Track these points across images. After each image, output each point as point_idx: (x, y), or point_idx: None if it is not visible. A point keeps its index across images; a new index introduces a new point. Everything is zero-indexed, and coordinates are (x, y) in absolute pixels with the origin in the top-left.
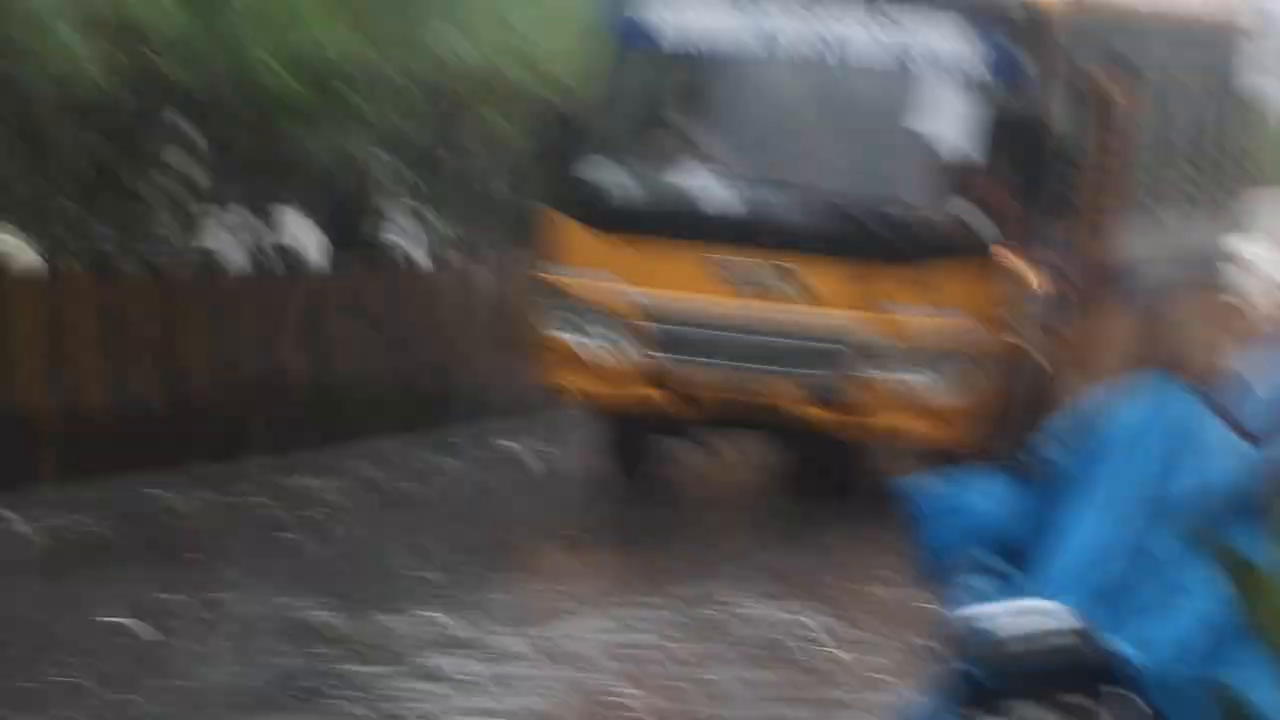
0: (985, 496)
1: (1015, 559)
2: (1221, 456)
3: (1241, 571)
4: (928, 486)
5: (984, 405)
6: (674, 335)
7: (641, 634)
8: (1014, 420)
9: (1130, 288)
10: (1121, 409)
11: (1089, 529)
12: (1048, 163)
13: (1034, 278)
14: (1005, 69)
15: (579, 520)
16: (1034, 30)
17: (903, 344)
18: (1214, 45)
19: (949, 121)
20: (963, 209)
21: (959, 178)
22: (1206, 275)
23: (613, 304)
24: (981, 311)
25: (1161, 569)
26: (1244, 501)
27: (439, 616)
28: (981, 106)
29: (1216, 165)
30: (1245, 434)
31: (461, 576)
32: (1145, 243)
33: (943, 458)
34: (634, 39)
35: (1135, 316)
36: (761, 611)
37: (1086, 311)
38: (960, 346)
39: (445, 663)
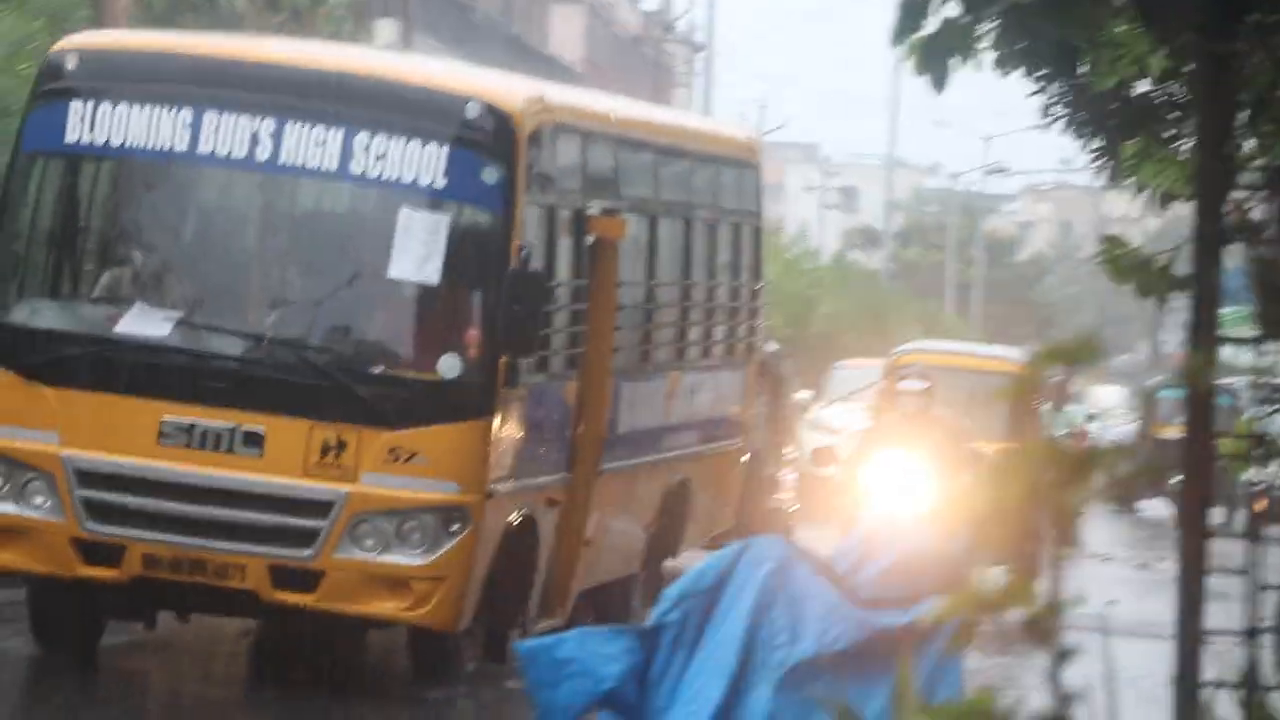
0: (604, 657)
1: (635, 719)
2: (828, 617)
3: None
4: (545, 648)
5: (475, 581)
6: (112, 503)
7: None
8: (513, 594)
9: (646, 448)
10: (731, 570)
11: (701, 689)
12: (534, 307)
13: (530, 442)
14: (476, 191)
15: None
16: (505, 144)
17: (383, 519)
18: (731, 172)
19: (424, 260)
20: (448, 364)
21: (440, 324)
22: (730, 436)
23: (41, 465)
24: (470, 480)
25: None
26: (852, 661)
27: None
28: (456, 242)
29: (736, 311)
30: (850, 596)
31: None
32: (645, 397)
33: (437, 638)
34: (47, 140)
35: (656, 481)
36: None
37: (597, 478)
38: (448, 521)
39: None
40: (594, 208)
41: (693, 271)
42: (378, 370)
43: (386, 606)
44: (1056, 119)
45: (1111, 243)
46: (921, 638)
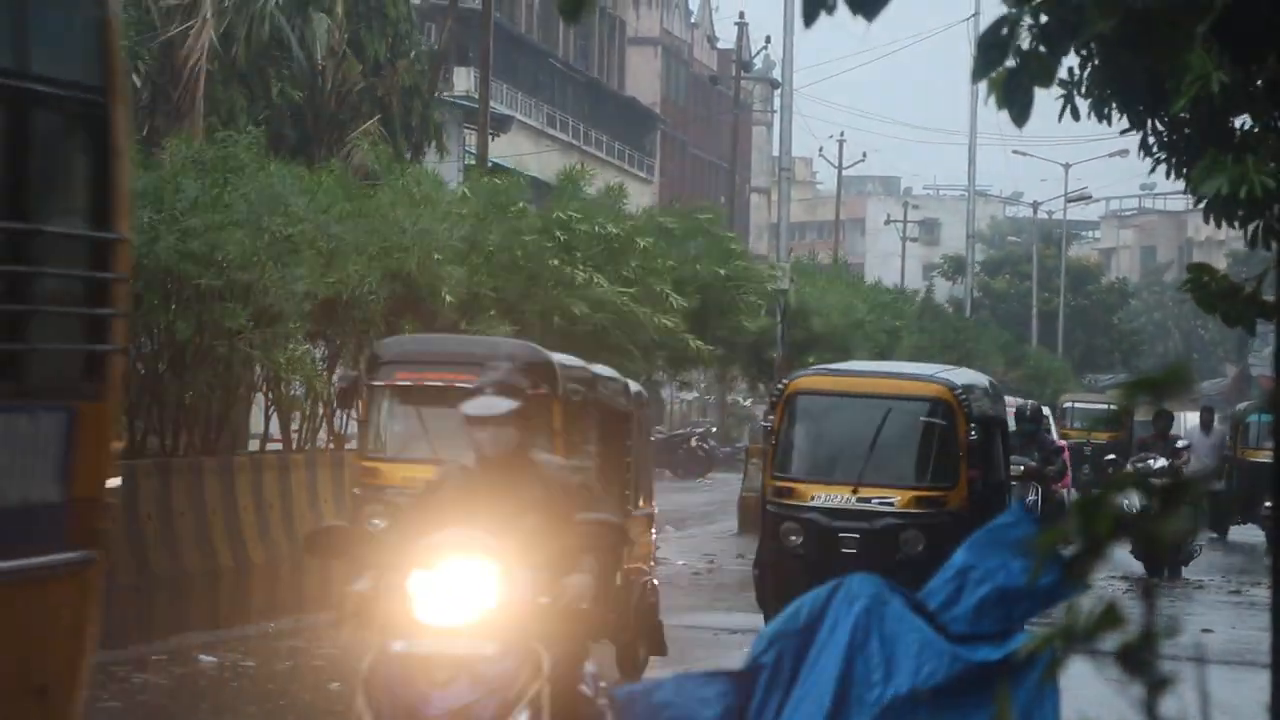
0: (700, 701)
1: None
2: (923, 654)
3: None
4: (643, 693)
5: None
6: None
7: None
8: None
9: None
10: (824, 609)
11: None
12: None
13: None
14: None
15: None
16: None
17: None
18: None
19: None
20: None
21: None
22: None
23: None
24: None
25: None
26: (948, 697)
27: None
28: None
29: (29, 286)
30: (944, 632)
31: None
32: None
33: None
34: None
35: None
36: None
37: None
38: None
39: None
40: None
41: None
42: None
43: None
44: (1158, 162)
45: (1198, 270)
46: (1017, 671)
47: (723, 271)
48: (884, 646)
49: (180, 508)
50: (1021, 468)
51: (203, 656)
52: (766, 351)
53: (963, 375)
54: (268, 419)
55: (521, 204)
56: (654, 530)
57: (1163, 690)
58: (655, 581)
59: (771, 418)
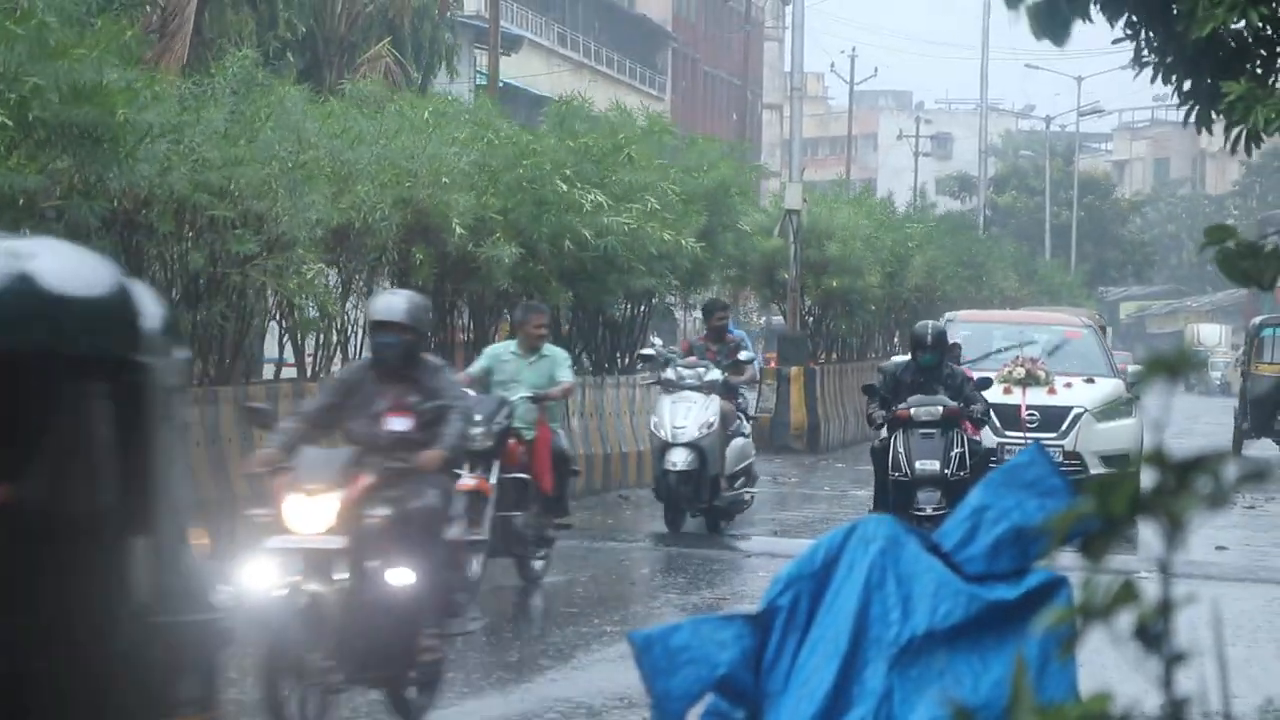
0: (717, 644)
1: (750, 703)
2: (939, 593)
3: None
4: (659, 636)
5: None
6: None
7: None
8: None
9: None
10: (840, 550)
11: (815, 671)
12: None
13: None
14: None
15: None
16: None
17: None
18: None
19: None
20: None
21: None
22: None
23: None
24: None
25: (889, 711)
26: (960, 636)
27: None
28: None
29: None
30: (960, 572)
31: None
32: None
33: None
34: None
35: None
36: None
37: None
38: None
39: None
40: None
41: None
42: None
43: None
44: (1144, 64)
45: (1218, 233)
46: (1031, 612)
47: (727, 174)
48: (901, 586)
49: (195, 437)
50: (940, 409)
51: None
52: (779, 272)
53: None
54: (281, 346)
55: (509, 126)
56: None
57: (1179, 665)
58: None
59: None
